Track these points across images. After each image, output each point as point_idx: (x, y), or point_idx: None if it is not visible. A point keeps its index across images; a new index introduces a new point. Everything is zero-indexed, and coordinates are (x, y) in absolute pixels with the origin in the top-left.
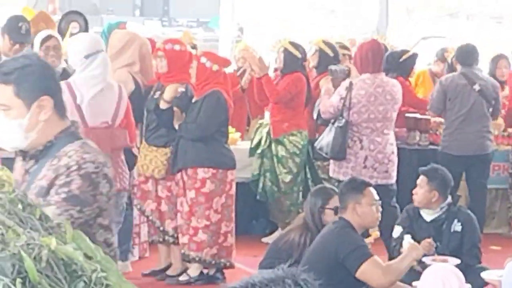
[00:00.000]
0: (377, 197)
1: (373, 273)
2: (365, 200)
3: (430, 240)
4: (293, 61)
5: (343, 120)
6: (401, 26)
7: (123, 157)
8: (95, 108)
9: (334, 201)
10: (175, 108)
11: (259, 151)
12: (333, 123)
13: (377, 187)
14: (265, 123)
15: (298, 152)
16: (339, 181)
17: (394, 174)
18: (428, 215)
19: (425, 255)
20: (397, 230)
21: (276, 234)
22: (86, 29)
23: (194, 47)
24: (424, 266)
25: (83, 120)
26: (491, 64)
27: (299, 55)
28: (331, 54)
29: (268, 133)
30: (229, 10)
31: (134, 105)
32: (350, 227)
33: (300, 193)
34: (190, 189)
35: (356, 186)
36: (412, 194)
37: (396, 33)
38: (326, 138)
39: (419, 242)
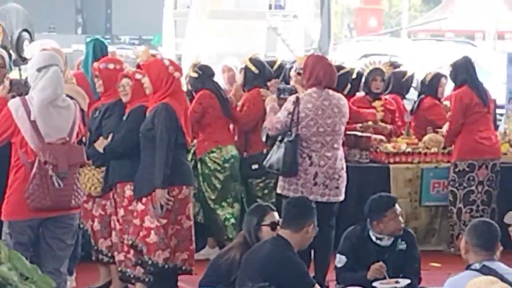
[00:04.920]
0: None
1: None
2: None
3: (380, 263)
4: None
5: (293, 135)
6: (343, 43)
7: (78, 175)
8: (49, 123)
9: (270, 217)
10: None
11: None
12: (280, 141)
13: (328, 204)
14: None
15: (219, 168)
16: (286, 197)
17: (343, 190)
18: (387, 241)
19: (376, 279)
20: (340, 260)
21: (205, 251)
22: None
23: None
24: None
25: (39, 135)
26: (431, 82)
27: (256, 71)
28: (256, 71)
29: (193, 153)
30: (171, 27)
31: None
32: (290, 248)
33: (235, 208)
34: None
35: (312, 207)
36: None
37: (338, 50)
38: (275, 155)
39: (366, 266)
